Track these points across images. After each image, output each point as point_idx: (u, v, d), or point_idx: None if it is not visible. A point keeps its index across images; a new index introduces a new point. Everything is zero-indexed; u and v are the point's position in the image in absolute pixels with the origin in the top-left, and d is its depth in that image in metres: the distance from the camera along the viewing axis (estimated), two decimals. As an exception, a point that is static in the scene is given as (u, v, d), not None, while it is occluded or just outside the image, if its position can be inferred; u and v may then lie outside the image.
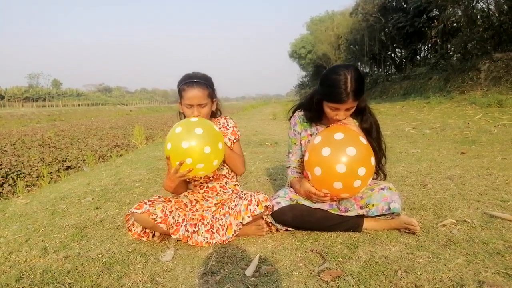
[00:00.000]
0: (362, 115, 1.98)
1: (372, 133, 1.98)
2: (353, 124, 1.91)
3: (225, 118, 2.17)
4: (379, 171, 2.05)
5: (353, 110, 1.88)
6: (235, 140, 2.13)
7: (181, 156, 1.74)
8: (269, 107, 29.57)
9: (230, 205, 1.97)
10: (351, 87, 1.74)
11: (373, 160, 1.80)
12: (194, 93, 1.89)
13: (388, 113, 10.94)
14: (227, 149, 1.97)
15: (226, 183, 2.12)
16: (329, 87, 1.80)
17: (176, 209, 1.98)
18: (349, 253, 1.70)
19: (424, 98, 14.93)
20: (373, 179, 1.93)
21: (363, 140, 1.82)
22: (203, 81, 1.93)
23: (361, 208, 1.90)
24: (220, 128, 2.11)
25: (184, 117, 2.11)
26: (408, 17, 24.67)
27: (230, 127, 2.14)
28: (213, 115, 2.11)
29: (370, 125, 1.98)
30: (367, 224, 1.94)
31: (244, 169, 2.16)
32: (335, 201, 1.97)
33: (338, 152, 1.75)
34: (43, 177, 5.17)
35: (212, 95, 1.98)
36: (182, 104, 1.96)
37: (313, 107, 1.99)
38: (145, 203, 1.88)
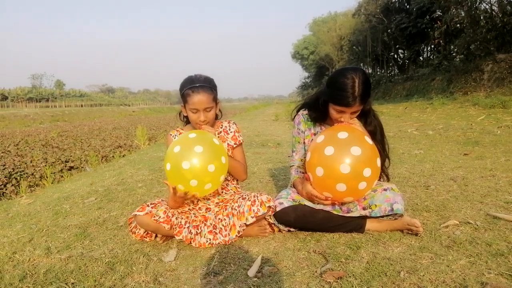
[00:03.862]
0: (366, 117, 1.98)
1: (377, 135, 1.98)
2: (358, 124, 1.89)
3: (228, 122, 2.15)
4: (382, 173, 2.05)
5: (358, 113, 1.87)
6: (234, 146, 2.09)
7: (183, 177, 1.71)
8: (271, 108, 29.57)
9: (233, 205, 1.97)
10: (359, 91, 1.74)
11: (378, 161, 1.77)
12: (200, 98, 1.87)
13: (391, 114, 10.92)
14: (230, 160, 1.94)
15: (227, 185, 2.12)
16: (337, 90, 1.79)
17: (179, 212, 1.99)
18: (351, 254, 1.69)
19: (427, 99, 14.90)
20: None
21: (368, 139, 1.78)
22: (208, 85, 1.92)
23: (364, 209, 1.90)
24: (220, 132, 2.10)
25: (185, 119, 2.11)
26: (411, 18, 24.64)
27: (231, 132, 2.11)
28: (215, 117, 2.10)
29: (375, 127, 1.98)
30: (370, 225, 1.94)
31: (246, 176, 2.14)
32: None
33: (342, 151, 1.69)
34: (46, 177, 5.19)
35: (216, 98, 1.97)
36: (187, 108, 1.94)
37: (318, 107, 1.99)
38: (148, 205, 1.89)
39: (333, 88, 1.82)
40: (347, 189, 1.71)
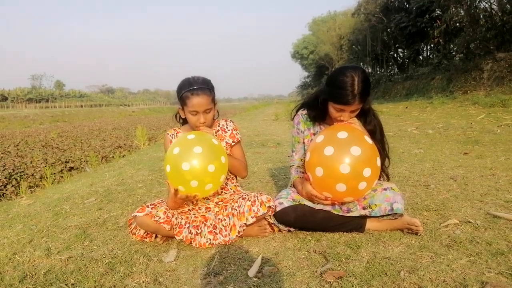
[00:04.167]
0: (366, 116, 1.98)
1: (376, 135, 1.97)
2: (357, 123, 1.89)
3: (225, 120, 2.16)
4: (382, 173, 2.04)
5: (358, 111, 1.87)
6: (232, 144, 2.09)
7: (183, 179, 1.71)
8: (271, 108, 29.56)
9: (233, 206, 1.98)
10: (358, 89, 1.74)
11: (378, 161, 1.76)
12: (199, 101, 1.87)
13: (390, 113, 10.92)
14: (229, 158, 1.94)
15: (226, 184, 2.12)
16: (336, 88, 1.79)
17: (179, 213, 1.99)
18: (351, 253, 1.69)
19: (427, 98, 14.91)
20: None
21: (368, 139, 1.77)
22: (206, 87, 1.92)
23: (364, 208, 1.90)
24: (218, 131, 2.10)
25: (182, 120, 2.11)
26: (410, 17, 24.65)
27: (228, 130, 2.11)
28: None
29: (374, 126, 1.98)
30: (370, 224, 1.94)
31: (246, 173, 2.14)
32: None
33: (341, 151, 1.68)
34: (46, 178, 5.19)
35: (214, 99, 1.97)
36: (186, 111, 1.94)
37: (318, 106, 1.99)
38: (147, 206, 1.89)
39: (333, 87, 1.82)
40: (347, 189, 1.71)
